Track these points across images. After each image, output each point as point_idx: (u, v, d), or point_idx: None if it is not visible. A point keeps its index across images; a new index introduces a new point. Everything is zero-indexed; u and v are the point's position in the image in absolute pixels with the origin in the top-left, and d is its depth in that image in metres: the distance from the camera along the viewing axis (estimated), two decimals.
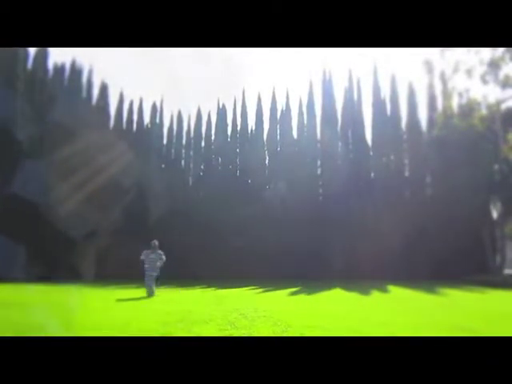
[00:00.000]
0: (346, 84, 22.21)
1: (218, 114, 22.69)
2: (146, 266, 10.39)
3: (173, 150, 22.71)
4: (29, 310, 6.85)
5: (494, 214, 19.23)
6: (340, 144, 21.47)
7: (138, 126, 22.91)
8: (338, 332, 4.72)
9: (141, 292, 11.72)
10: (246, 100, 22.67)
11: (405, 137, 21.48)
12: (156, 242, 10.47)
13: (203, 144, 22.65)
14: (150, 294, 10.00)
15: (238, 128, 22.30)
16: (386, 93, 22.01)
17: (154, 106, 23.20)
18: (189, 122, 23.02)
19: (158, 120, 23.09)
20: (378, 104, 21.78)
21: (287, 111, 22.12)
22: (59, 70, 21.72)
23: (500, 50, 15.76)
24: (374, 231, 18.42)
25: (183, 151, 22.82)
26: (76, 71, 22.12)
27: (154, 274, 10.36)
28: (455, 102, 19.16)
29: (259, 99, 22.54)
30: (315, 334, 4.57)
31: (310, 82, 22.49)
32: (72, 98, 21.23)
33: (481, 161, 19.02)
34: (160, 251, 10.52)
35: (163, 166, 22.33)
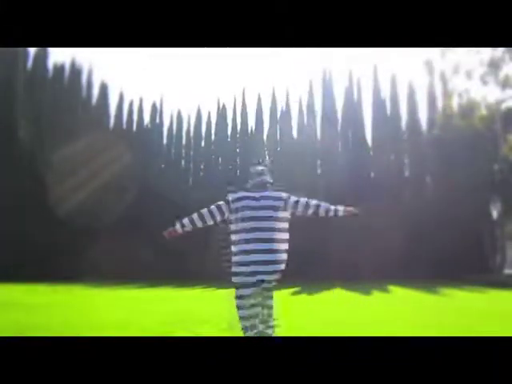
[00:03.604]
0: (346, 84, 22.20)
1: (217, 113, 22.66)
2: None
3: (173, 150, 22.69)
4: (30, 310, 6.85)
5: (494, 214, 19.23)
6: (340, 144, 21.46)
7: (138, 126, 22.88)
8: (338, 332, 4.71)
9: (141, 292, 11.71)
10: (246, 100, 22.64)
11: (405, 137, 21.48)
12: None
13: (203, 144, 22.62)
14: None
15: (238, 128, 22.28)
16: (386, 93, 22.03)
17: (153, 106, 23.18)
18: (189, 121, 23.00)
19: (157, 120, 23.06)
20: (378, 104, 21.77)
21: (287, 111, 22.10)
22: (59, 69, 21.70)
23: (500, 51, 15.78)
24: (374, 231, 18.41)
25: (183, 151, 22.79)
26: (76, 71, 22.10)
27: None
28: (455, 102, 19.19)
29: (259, 99, 22.51)
30: (315, 334, 4.57)
31: (309, 81, 22.49)
32: (72, 98, 21.21)
33: (481, 161, 19.01)
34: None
35: (163, 166, 22.31)
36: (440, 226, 18.62)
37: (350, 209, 3.15)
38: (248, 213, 3.01)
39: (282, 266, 3.02)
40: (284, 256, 3.03)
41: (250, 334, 3.05)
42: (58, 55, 46.52)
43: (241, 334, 3.45)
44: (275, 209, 3.04)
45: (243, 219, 3.01)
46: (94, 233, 18.25)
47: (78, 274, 16.36)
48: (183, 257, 18.56)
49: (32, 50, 21.12)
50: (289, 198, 3.15)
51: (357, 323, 5.56)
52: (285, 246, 3.05)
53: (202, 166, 22.34)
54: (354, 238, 18.58)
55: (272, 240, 2.95)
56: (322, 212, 3.13)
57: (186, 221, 3.20)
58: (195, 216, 3.18)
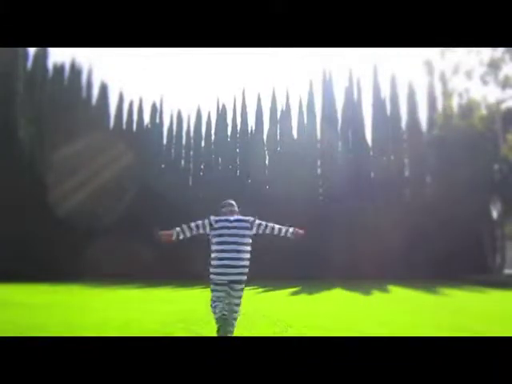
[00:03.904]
0: (346, 84, 22.20)
1: (217, 113, 22.65)
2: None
3: (173, 150, 22.67)
4: (30, 310, 6.85)
5: (494, 214, 19.23)
6: (340, 144, 21.46)
7: (138, 126, 22.87)
8: (338, 332, 4.72)
9: (141, 292, 11.71)
10: (246, 100, 22.64)
11: (405, 137, 21.49)
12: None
13: (203, 144, 22.62)
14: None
15: (238, 128, 22.27)
16: (385, 93, 22.02)
17: (153, 106, 23.17)
18: (189, 121, 22.99)
19: (157, 120, 23.05)
20: (378, 104, 21.77)
21: (287, 111, 22.09)
22: (59, 69, 21.69)
23: (500, 51, 15.79)
24: (374, 231, 18.41)
25: (183, 151, 22.78)
26: (76, 71, 22.09)
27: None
28: (455, 102, 19.20)
29: (259, 99, 22.51)
30: (315, 333, 4.57)
31: (309, 81, 22.49)
32: (72, 98, 21.19)
33: (481, 161, 19.00)
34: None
35: (163, 166, 22.30)
36: (440, 226, 18.62)
37: (298, 231, 4.02)
38: (222, 231, 3.91)
39: (245, 271, 3.88)
40: (246, 263, 3.90)
41: (217, 311, 3.78)
42: (58, 55, 46.57)
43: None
44: (243, 229, 3.96)
45: (219, 235, 3.91)
46: (94, 233, 18.24)
47: (77, 273, 16.35)
48: (183, 257, 18.55)
49: (32, 50, 21.12)
50: (254, 221, 4.04)
51: (356, 323, 5.56)
52: (247, 256, 3.93)
53: (202, 166, 22.33)
54: (354, 237, 18.58)
55: (238, 251, 3.85)
56: (276, 231, 4.04)
57: (178, 229, 3.96)
58: (185, 226, 3.96)
